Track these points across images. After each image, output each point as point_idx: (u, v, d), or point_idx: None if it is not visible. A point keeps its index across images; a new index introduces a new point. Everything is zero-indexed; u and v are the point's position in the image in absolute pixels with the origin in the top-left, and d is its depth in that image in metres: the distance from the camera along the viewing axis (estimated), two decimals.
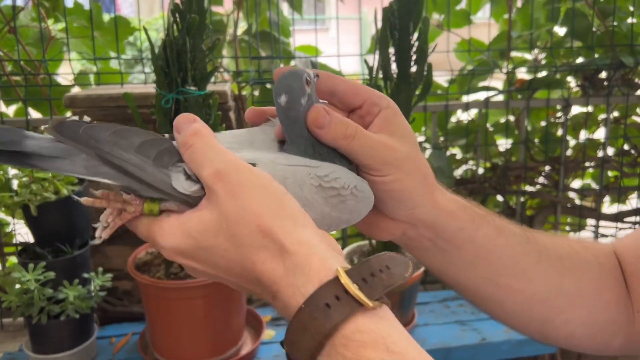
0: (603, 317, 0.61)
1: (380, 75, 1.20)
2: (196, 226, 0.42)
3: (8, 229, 1.52)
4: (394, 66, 1.18)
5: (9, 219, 1.49)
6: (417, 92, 1.19)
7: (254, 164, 0.44)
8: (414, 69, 1.18)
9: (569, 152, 1.77)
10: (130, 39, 2.12)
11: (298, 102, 0.48)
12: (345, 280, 0.39)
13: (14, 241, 1.52)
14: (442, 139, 1.67)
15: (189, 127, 0.45)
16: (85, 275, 1.19)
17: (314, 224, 0.43)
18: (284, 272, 0.40)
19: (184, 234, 0.43)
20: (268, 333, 1.30)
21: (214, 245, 0.42)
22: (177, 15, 1.05)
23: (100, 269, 1.23)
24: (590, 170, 1.80)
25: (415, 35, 1.15)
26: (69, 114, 1.36)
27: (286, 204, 0.42)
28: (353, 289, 0.39)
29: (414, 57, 1.17)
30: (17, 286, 1.12)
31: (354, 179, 0.48)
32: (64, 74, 1.57)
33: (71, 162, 0.43)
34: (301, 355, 0.39)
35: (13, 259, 1.52)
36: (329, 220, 0.47)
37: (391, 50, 1.18)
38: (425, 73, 1.17)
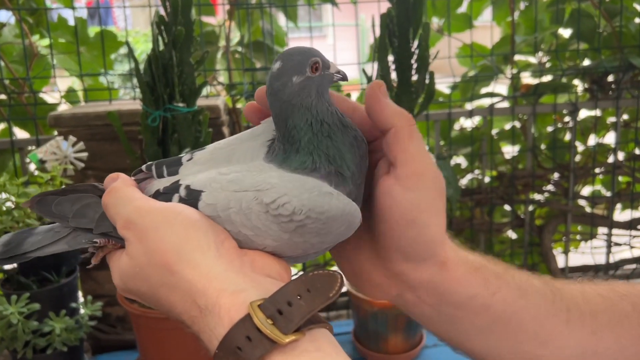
0: None
1: None
2: (123, 270, 0.43)
3: None
4: (393, 75, 1.13)
5: None
6: (419, 101, 1.13)
7: (200, 192, 0.43)
8: (415, 77, 1.12)
9: (577, 158, 1.70)
10: (126, 50, 2.06)
11: (289, 76, 0.43)
12: (257, 316, 0.35)
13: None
14: (445, 148, 1.60)
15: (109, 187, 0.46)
16: (73, 304, 1.12)
17: (232, 250, 0.41)
18: (199, 313, 0.38)
19: (119, 276, 0.44)
20: None
21: (135, 288, 0.42)
22: (162, 27, 1.00)
23: (90, 297, 1.16)
24: (601, 176, 1.74)
25: (416, 42, 1.09)
26: (55, 133, 1.30)
27: (191, 235, 0.40)
28: (264, 326, 0.35)
29: (414, 65, 1.11)
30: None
31: (310, 200, 0.41)
32: (52, 92, 1.51)
33: (55, 245, 0.49)
34: None
35: None
36: (294, 245, 0.42)
37: (390, 58, 1.12)
38: (427, 81, 1.11)
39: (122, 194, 0.44)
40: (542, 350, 0.49)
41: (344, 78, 0.46)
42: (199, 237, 0.40)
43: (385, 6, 1.11)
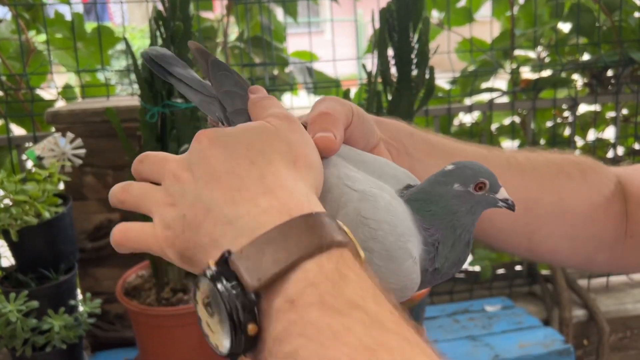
0: (586, 231, 0.60)
1: (379, 80, 1.13)
2: (233, 129, 0.41)
3: None
4: (393, 70, 1.12)
5: None
6: (419, 97, 1.12)
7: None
8: (414, 72, 1.11)
9: (577, 153, 1.70)
10: (123, 46, 2.05)
11: (452, 182, 0.45)
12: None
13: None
14: None
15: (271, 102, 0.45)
16: (72, 302, 1.12)
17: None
18: (297, 191, 0.38)
19: (224, 130, 0.42)
20: None
21: (248, 131, 0.41)
22: (160, 23, 0.99)
23: (89, 295, 1.16)
24: None
25: (416, 36, 1.09)
26: (53, 129, 1.29)
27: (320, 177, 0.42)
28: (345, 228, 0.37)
29: (414, 60, 1.10)
30: None
31: (393, 238, 0.42)
32: (48, 88, 1.50)
33: (193, 93, 0.48)
34: (269, 266, 0.34)
35: None
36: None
37: (390, 52, 1.11)
38: (427, 77, 1.10)
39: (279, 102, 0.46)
40: None
41: (510, 208, 0.45)
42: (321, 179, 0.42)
43: (383, 1, 1.10)
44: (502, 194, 0.45)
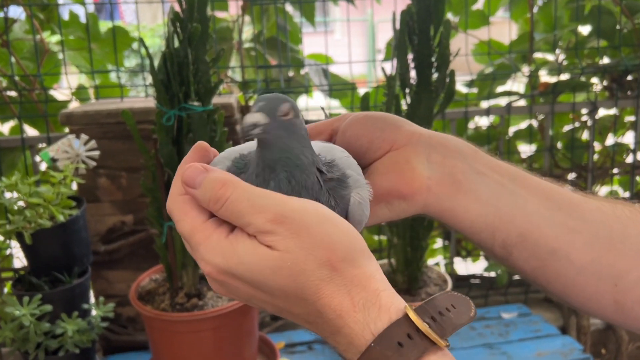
0: None
1: (398, 84, 1.11)
2: (251, 258, 0.40)
3: (7, 252, 1.44)
4: (412, 73, 1.10)
5: (8, 241, 1.41)
6: (439, 100, 1.10)
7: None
8: (434, 76, 1.09)
9: (595, 158, 1.67)
10: (135, 46, 2.04)
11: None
12: (415, 318, 0.38)
13: (13, 265, 1.44)
14: None
15: (209, 178, 0.42)
16: (85, 305, 1.11)
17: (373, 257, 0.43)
18: (352, 307, 0.39)
19: (237, 258, 0.40)
20: None
21: (271, 280, 0.40)
22: (177, 24, 0.97)
23: (102, 299, 1.14)
24: (619, 176, 1.70)
25: (436, 40, 1.07)
26: (66, 130, 1.28)
27: (356, 237, 0.41)
28: (425, 327, 0.38)
29: (434, 64, 1.08)
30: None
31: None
32: (63, 88, 1.49)
33: None
34: None
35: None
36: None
37: (409, 56, 1.09)
38: (447, 80, 1.08)
39: (246, 186, 0.42)
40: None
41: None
42: (360, 240, 0.42)
43: (400, 2, 1.08)
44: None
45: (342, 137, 0.53)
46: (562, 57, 1.64)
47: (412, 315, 0.38)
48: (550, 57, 1.67)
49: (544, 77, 1.64)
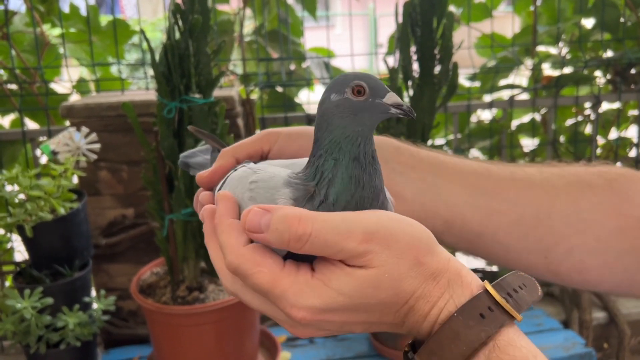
0: (617, 245, 0.56)
1: (401, 76, 1.10)
2: (350, 285, 0.40)
3: (8, 246, 1.44)
4: (415, 66, 1.09)
5: (9, 234, 1.40)
6: (442, 93, 1.09)
7: None
8: (437, 68, 1.08)
9: (598, 152, 1.66)
10: (135, 39, 2.03)
11: (329, 93, 0.43)
12: (494, 293, 0.41)
13: (14, 258, 1.44)
14: (463, 141, 1.56)
15: (277, 217, 0.40)
16: (87, 299, 1.10)
17: None
18: (439, 290, 0.42)
19: (334, 292, 0.40)
20: (283, 355, 1.22)
21: (373, 297, 0.41)
22: (178, 16, 0.96)
23: (103, 292, 1.14)
24: None
25: (439, 32, 1.06)
26: (67, 123, 1.27)
27: (424, 228, 0.43)
28: (504, 302, 0.41)
29: (437, 56, 1.07)
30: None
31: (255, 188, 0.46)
32: (63, 81, 1.49)
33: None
34: None
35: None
36: None
37: (412, 48, 1.08)
38: (450, 73, 1.07)
39: (320, 217, 0.41)
40: (496, 204, 0.56)
41: (407, 114, 0.42)
42: (426, 228, 0.43)
43: None
44: (391, 98, 0.42)
45: (278, 156, 0.54)
46: (565, 50, 1.63)
47: (492, 291, 0.41)
48: (553, 50, 1.66)
49: (547, 70, 1.63)
